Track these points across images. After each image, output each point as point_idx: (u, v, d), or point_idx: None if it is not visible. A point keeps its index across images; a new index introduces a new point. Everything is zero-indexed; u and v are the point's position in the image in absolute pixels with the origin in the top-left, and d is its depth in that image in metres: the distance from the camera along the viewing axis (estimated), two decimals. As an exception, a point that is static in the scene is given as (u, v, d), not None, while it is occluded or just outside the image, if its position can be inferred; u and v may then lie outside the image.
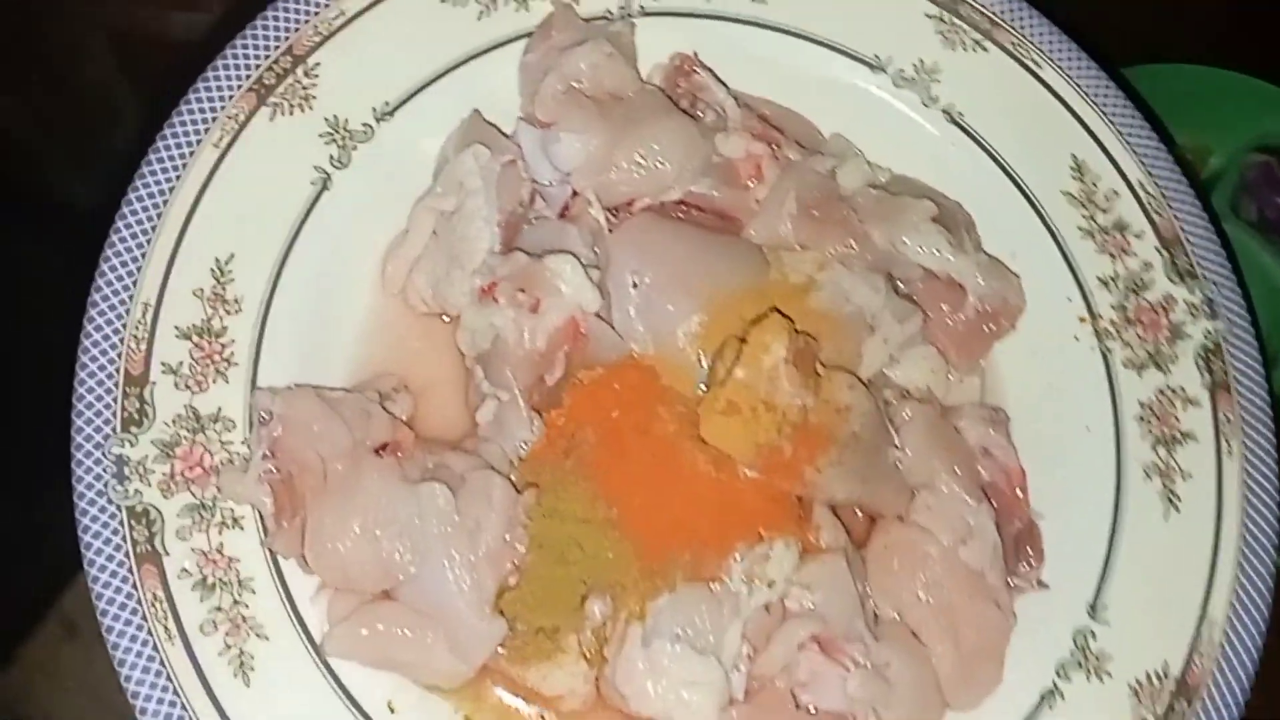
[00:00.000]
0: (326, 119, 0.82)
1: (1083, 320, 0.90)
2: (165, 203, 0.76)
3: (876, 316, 0.86)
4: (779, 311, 0.80)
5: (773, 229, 0.88)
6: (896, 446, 0.84)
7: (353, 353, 0.83)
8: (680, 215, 0.89)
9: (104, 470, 0.70)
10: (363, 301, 0.85)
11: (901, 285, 0.89)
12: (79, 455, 0.70)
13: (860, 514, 0.84)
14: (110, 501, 0.70)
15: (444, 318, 0.85)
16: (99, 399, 0.71)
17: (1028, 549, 0.85)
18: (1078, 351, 0.90)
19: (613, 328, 0.82)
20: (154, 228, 0.75)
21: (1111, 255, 0.90)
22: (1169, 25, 1.20)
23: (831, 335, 0.84)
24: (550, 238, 0.83)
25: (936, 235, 0.88)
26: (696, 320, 0.83)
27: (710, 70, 0.91)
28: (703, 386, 0.81)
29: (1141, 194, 0.90)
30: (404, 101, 0.85)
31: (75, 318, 0.73)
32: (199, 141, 0.77)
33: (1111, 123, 0.91)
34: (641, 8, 0.91)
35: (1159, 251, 0.90)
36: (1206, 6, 1.22)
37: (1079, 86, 0.92)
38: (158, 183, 0.76)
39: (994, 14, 0.93)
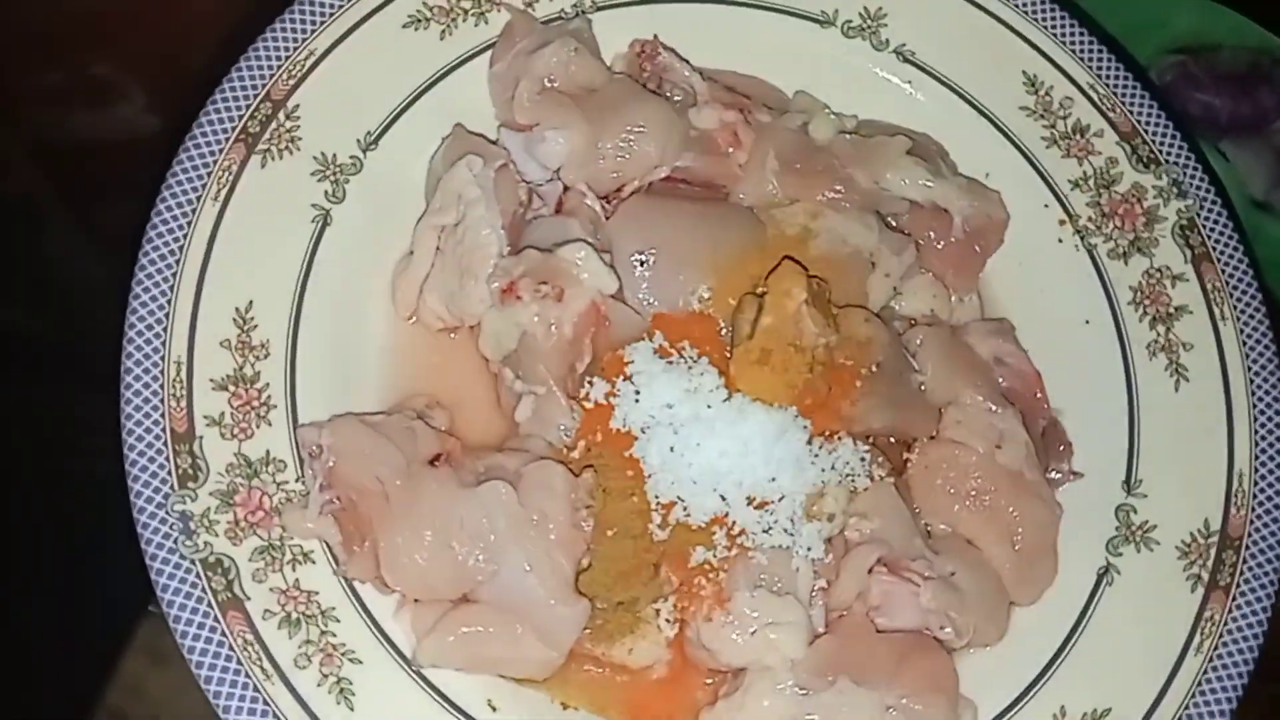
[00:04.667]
0: (315, 157, 0.84)
1: (1062, 223, 0.94)
2: (179, 260, 0.77)
3: (874, 253, 0.89)
4: (790, 259, 0.83)
5: (760, 188, 0.91)
6: (917, 371, 0.87)
7: (380, 378, 0.85)
8: (669, 192, 0.92)
9: (171, 528, 0.70)
10: (380, 327, 0.86)
11: (891, 221, 0.93)
12: (143, 518, 0.70)
13: (894, 442, 0.87)
14: (184, 557, 0.70)
15: (452, 334, 0.87)
16: (151, 460, 0.72)
17: (1056, 443, 0.88)
18: (1063, 253, 0.94)
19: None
20: (172, 286, 0.76)
21: (1077, 158, 0.95)
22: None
23: (836, 277, 0.88)
24: (553, 233, 0.85)
25: (914, 167, 0.92)
26: (706, 286, 0.85)
27: (673, 50, 0.94)
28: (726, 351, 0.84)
29: (1094, 95, 0.95)
30: (385, 129, 0.87)
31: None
32: (199, 198, 0.78)
33: (1054, 35, 0.96)
34: (594, 3, 0.94)
35: (1120, 145, 0.94)
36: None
37: (1018, 6, 0.96)
38: (166, 243, 0.77)
39: (925, -47, 0.97)
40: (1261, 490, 0.83)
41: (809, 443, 0.80)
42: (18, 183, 1.07)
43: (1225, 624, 0.79)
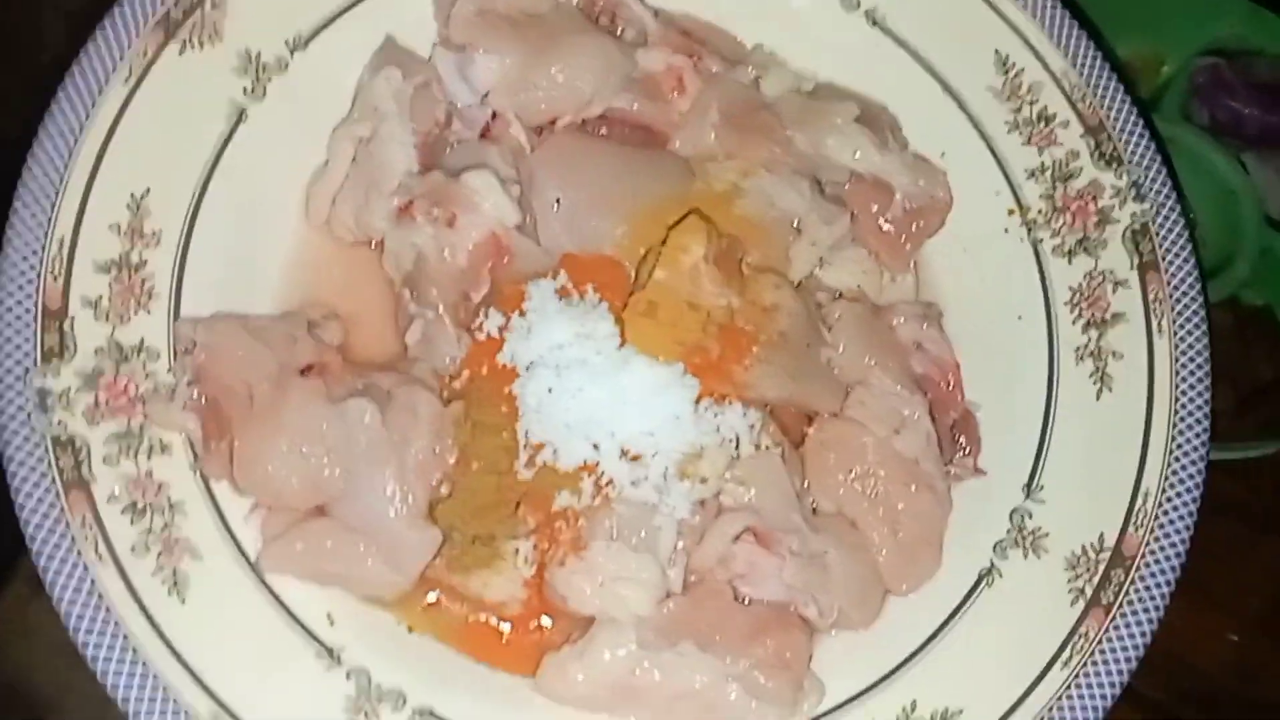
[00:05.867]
0: (238, 51, 0.82)
1: (1011, 213, 0.90)
2: (76, 140, 0.76)
3: (803, 220, 0.86)
4: (699, 214, 0.80)
5: (697, 140, 0.88)
6: (828, 345, 0.84)
7: (279, 283, 0.83)
8: (603, 132, 0.89)
9: (26, 402, 0.70)
10: (287, 233, 0.84)
11: (829, 188, 0.89)
12: (1, 389, 0.70)
13: (798, 413, 0.85)
14: (34, 431, 0.70)
15: (371, 245, 0.85)
16: (18, 333, 0.71)
17: (964, 438, 0.85)
18: (1008, 243, 0.90)
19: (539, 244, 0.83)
20: (66, 164, 0.75)
21: (1038, 147, 0.90)
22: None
23: (758, 240, 0.85)
24: (471, 159, 0.83)
25: (860, 136, 0.88)
26: (621, 232, 0.83)
27: (627, -14, 0.91)
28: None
29: (1065, 84, 0.90)
30: (317, 32, 0.85)
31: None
32: (108, 79, 0.77)
33: (1033, 15, 0.91)
34: (554, -73, 0.91)
35: (1084, 139, 0.89)
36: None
37: (1000, -21, 0.91)
38: (68, 120, 0.76)
39: (908, -88, 0.92)
40: (1165, 513, 0.79)
41: (695, 403, 0.77)
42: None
43: (1100, 642, 0.76)
